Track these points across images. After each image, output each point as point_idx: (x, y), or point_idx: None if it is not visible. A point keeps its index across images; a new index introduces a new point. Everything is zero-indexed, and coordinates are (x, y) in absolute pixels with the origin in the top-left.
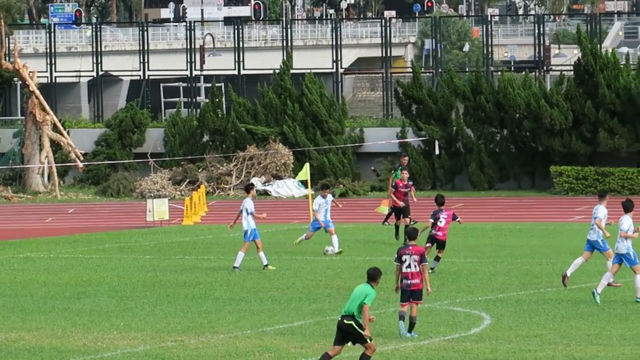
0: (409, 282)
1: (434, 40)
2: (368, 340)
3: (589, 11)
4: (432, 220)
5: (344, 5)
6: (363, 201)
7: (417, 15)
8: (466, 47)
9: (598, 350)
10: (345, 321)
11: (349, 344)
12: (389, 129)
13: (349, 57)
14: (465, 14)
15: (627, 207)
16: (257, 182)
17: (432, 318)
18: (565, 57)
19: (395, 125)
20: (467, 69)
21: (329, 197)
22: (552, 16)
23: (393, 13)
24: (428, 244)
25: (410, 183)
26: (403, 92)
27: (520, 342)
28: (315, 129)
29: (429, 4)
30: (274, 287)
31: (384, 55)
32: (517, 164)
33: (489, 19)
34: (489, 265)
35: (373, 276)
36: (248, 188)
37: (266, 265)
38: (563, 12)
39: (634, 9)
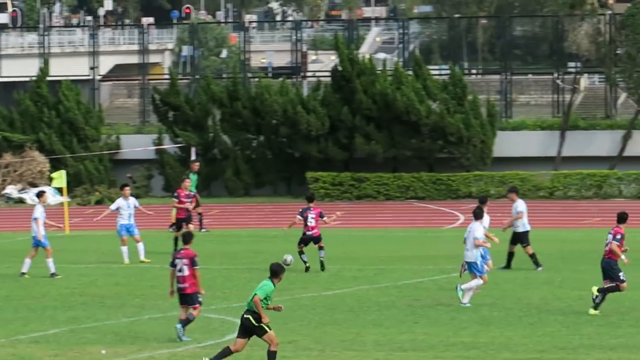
0: (180, 285)
1: (191, 46)
2: (268, 330)
3: (347, 17)
4: (300, 218)
5: (101, 12)
6: None
7: (174, 22)
8: (224, 54)
9: (352, 356)
10: (244, 315)
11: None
12: (146, 136)
13: (106, 64)
14: (223, 21)
15: (478, 214)
16: (13, 190)
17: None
18: (323, 63)
19: (152, 132)
20: (224, 76)
21: (132, 199)
22: (309, 22)
23: (151, 20)
24: (302, 245)
25: (193, 193)
26: (160, 98)
27: None
28: (71, 136)
29: (187, 11)
30: (29, 295)
31: (141, 62)
32: (273, 170)
33: (247, 25)
34: (245, 272)
35: (275, 272)
36: (39, 194)
37: (53, 274)
38: (320, 19)
39: (391, 14)
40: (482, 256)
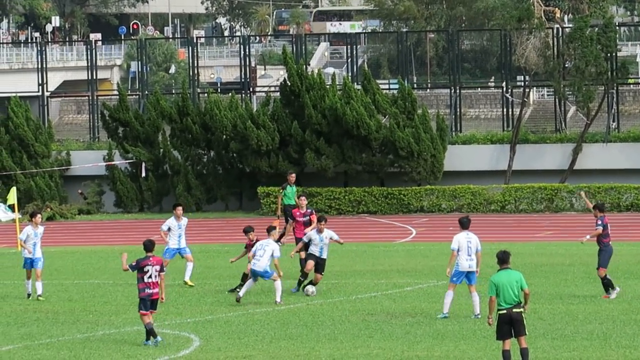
0: (151, 291)
1: (139, 62)
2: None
3: (295, 32)
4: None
5: (49, 28)
6: (71, 224)
7: (122, 37)
8: (172, 69)
9: None
10: (515, 310)
11: None
12: (96, 152)
13: (55, 80)
14: (170, 36)
15: (466, 224)
16: None
17: (142, 340)
18: (272, 78)
19: (102, 148)
20: (173, 91)
21: (184, 220)
22: (257, 37)
23: (98, 36)
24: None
25: (310, 210)
26: (109, 114)
27: None
28: (21, 153)
29: (135, 27)
30: None
31: (90, 78)
32: (224, 185)
33: (195, 40)
34: (198, 287)
35: (504, 259)
36: (32, 214)
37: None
38: (269, 34)
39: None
40: None
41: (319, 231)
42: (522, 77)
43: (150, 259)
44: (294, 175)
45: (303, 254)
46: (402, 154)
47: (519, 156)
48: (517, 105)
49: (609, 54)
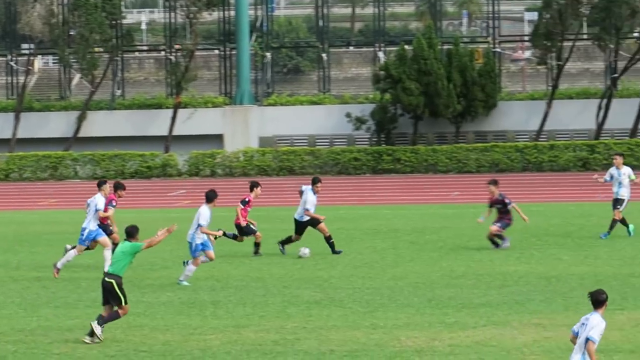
0: None
1: None
2: (123, 304)
3: None
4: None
5: None
6: None
7: None
8: None
9: None
10: (106, 279)
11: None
12: None
13: None
14: None
15: (209, 198)
16: None
17: None
18: None
19: None
20: None
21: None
22: None
23: None
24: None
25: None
26: None
27: None
28: None
29: None
30: None
31: None
32: None
33: None
34: None
35: (131, 233)
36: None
37: None
38: None
39: None
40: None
41: None
42: (27, 45)
43: None
44: None
45: None
46: None
47: (23, 124)
48: (22, 74)
49: (114, 22)
